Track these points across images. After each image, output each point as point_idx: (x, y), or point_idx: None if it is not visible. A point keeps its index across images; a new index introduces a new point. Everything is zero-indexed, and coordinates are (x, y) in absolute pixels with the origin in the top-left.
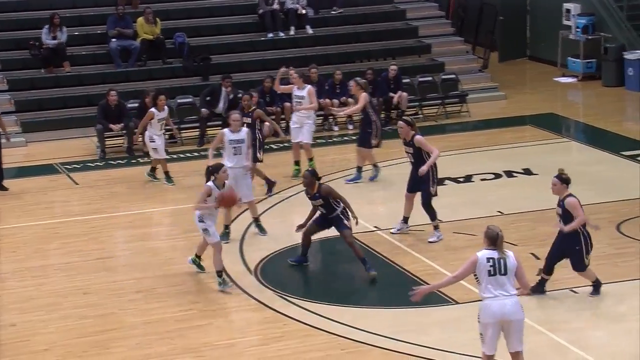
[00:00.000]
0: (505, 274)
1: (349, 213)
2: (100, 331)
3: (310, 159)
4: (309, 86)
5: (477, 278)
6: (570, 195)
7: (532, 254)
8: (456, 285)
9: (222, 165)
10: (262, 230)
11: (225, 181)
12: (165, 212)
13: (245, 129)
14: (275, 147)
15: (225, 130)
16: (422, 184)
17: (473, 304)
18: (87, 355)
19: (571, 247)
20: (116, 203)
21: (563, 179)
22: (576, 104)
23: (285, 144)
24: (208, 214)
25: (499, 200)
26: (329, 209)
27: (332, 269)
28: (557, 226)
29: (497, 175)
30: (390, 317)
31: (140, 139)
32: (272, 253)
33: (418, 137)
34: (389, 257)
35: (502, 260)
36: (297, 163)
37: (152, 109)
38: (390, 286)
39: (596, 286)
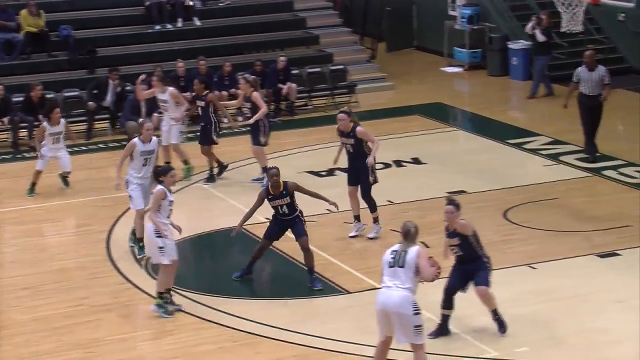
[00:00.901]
0: (402, 266)
1: (326, 201)
2: None
3: (185, 162)
4: (170, 88)
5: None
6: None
7: (422, 242)
8: (347, 275)
9: (170, 169)
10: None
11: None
12: (52, 208)
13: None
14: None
15: (136, 140)
16: (362, 175)
17: (363, 293)
18: None
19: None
20: (1, 199)
21: (457, 205)
22: (462, 93)
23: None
24: (165, 229)
25: (389, 189)
26: (291, 209)
27: (221, 261)
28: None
29: (387, 165)
30: (281, 308)
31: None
32: (162, 247)
33: (359, 128)
34: (280, 248)
35: (403, 253)
36: (186, 162)
37: (44, 123)
38: (281, 277)
39: (500, 322)
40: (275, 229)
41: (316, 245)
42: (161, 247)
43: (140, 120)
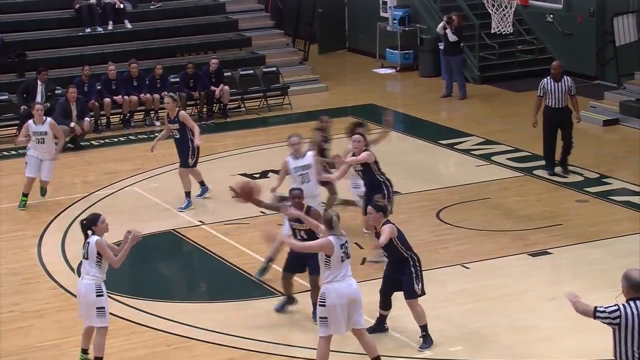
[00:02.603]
0: (349, 257)
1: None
2: None
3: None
4: (48, 119)
5: (327, 262)
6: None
7: (355, 243)
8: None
9: (98, 216)
10: None
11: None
12: None
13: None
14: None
15: (30, 121)
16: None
17: (297, 295)
18: None
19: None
20: None
21: (380, 207)
22: (395, 94)
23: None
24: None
25: (322, 191)
26: (310, 236)
27: (155, 265)
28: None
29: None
30: (215, 311)
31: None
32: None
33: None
34: (214, 251)
35: (347, 244)
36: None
37: (29, 121)
38: (216, 280)
39: (425, 339)
40: (293, 261)
41: (250, 248)
42: (101, 308)
43: (72, 124)
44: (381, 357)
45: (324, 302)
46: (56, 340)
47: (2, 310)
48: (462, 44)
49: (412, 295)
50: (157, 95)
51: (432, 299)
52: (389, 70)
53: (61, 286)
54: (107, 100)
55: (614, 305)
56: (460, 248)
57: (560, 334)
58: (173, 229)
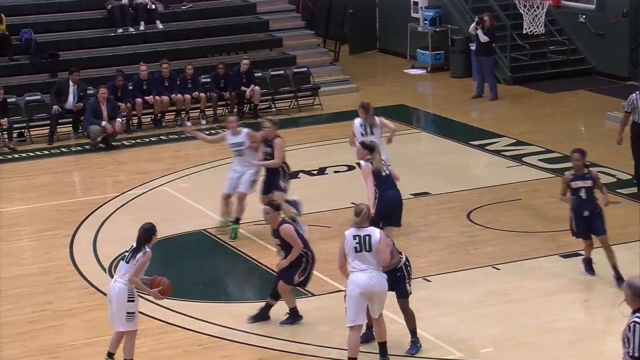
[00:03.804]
0: (369, 250)
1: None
2: None
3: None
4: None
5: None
6: (284, 222)
7: None
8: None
9: (155, 227)
10: None
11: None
12: (15, 212)
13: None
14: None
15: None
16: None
17: (328, 296)
18: None
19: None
20: None
21: (275, 206)
22: (426, 95)
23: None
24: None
25: (353, 191)
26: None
27: (185, 265)
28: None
29: (350, 167)
30: (246, 311)
31: None
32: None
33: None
34: (244, 251)
35: (367, 238)
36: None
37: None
38: (246, 280)
39: (292, 315)
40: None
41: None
42: (131, 313)
43: (103, 123)
44: (409, 359)
45: (346, 291)
46: (87, 339)
47: (34, 309)
48: (493, 45)
49: (289, 281)
50: (187, 96)
51: (462, 301)
52: (419, 71)
53: (93, 285)
54: (138, 100)
55: None
56: (490, 249)
57: (591, 337)
58: (203, 229)
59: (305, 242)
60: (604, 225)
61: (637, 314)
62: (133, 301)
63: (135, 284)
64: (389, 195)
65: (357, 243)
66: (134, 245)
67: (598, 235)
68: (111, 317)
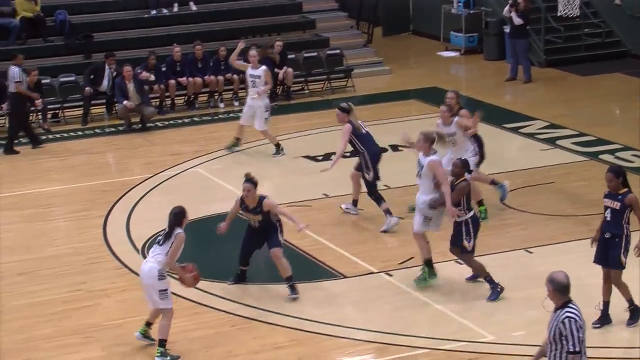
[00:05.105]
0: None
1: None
2: None
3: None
4: (264, 66)
5: None
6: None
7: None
8: (343, 259)
9: (185, 210)
10: None
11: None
12: (51, 193)
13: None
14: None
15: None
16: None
17: (359, 277)
18: None
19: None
20: (1, 184)
21: (254, 183)
22: (459, 77)
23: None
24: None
25: (386, 174)
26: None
27: (218, 246)
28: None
29: (383, 150)
30: (277, 292)
31: None
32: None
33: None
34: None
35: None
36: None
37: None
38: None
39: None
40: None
41: (312, 230)
42: (163, 291)
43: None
44: (442, 341)
45: None
46: (120, 320)
47: (68, 289)
48: (527, 27)
49: (279, 244)
50: (221, 77)
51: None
52: (453, 54)
53: (126, 266)
54: (171, 81)
55: None
56: (523, 232)
57: (619, 323)
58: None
59: None
60: (619, 256)
61: (567, 309)
62: (164, 278)
63: (171, 267)
64: (375, 151)
65: (419, 167)
66: (167, 229)
67: (606, 266)
68: (147, 298)
